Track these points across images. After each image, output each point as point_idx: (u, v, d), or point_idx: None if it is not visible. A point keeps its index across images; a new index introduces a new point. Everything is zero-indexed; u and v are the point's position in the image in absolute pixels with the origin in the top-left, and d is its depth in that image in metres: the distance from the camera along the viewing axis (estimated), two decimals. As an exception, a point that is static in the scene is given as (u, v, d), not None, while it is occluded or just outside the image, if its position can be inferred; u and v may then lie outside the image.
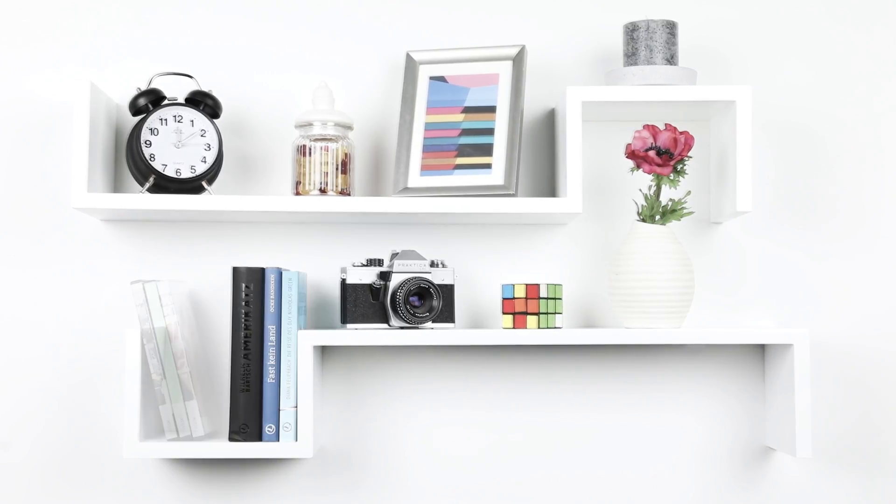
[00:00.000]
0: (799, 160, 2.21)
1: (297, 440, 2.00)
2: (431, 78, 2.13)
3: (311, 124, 2.07)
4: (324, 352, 2.15)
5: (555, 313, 2.04)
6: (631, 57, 2.09)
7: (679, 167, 2.04)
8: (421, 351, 2.16)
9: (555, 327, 2.05)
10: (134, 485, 2.14)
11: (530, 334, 2.01)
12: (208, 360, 2.14)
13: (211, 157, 2.05)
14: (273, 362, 2.00)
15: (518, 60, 2.11)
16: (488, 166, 2.06)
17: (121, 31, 2.18)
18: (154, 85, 2.10)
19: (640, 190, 2.10)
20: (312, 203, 2.02)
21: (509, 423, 2.17)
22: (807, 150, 2.21)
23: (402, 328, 2.03)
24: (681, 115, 2.14)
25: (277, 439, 2.00)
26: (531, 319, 2.03)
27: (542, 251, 2.18)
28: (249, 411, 2.00)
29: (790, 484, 2.18)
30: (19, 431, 2.13)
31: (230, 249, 2.15)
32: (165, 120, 2.05)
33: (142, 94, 2.06)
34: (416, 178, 2.08)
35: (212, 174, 2.06)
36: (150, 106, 2.05)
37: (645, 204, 2.07)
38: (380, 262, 2.05)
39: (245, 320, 2.00)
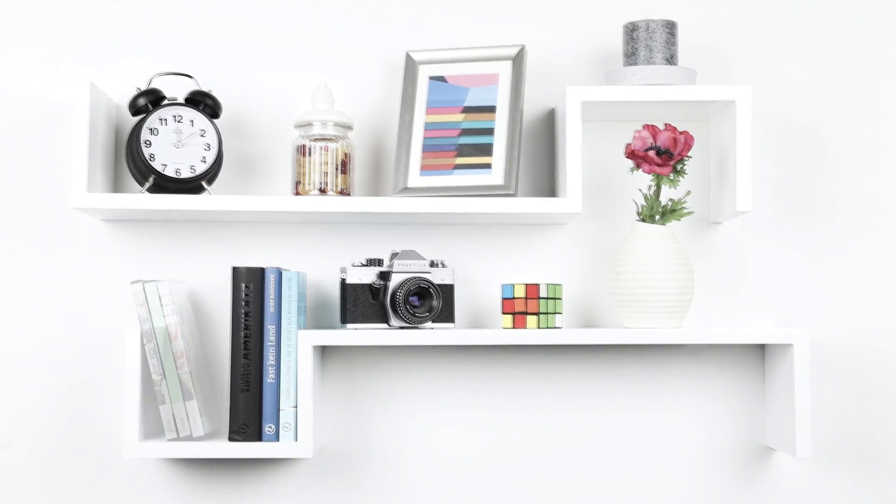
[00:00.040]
0: (799, 160, 2.21)
1: (296, 440, 2.00)
2: (431, 78, 2.13)
3: (310, 124, 2.07)
4: (324, 352, 2.15)
5: (554, 313, 2.04)
6: (631, 57, 2.09)
7: (679, 167, 2.04)
8: (421, 351, 2.16)
9: (555, 327, 2.05)
10: (134, 485, 2.14)
11: (530, 334, 2.01)
12: (208, 360, 2.14)
13: (211, 157, 2.05)
14: (273, 362, 2.00)
15: (518, 60, 2.11)
16: (488, 166, 2.06)
17: (121, 31, 2.18)
18: (154, 85, 2.10)
19: (640, 190, 2.10)
20: (312, 203, 2.02)
21: (509, 423, 2.17)
22: (807, 150, 2.21)
23: (401, 328, 2.03)
24: (681, 115, 2.14)
25: (277, 439, 2.00)
26: (531, 319, 2.03)
27: (542, 251, 2.18)
28: (249, 411, 2.00)
29: (790, 484, 2.18)
30: (19, 431, 2.13)
31: (230, 249, 2.15)
32: (165, 120, 2.05)
33: (141, 94, 2.06)
34: (415, 178, 2.08)
35: (212, 174, 2.06)
36: (149, 106, 2.05)
37: (645, 204, 2.07)
38: (380, 262, 2.05)
39: (245, 320, 2.00)
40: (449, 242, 2.17)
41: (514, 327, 2.04)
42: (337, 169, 2.07)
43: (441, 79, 2.13)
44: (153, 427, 2.05)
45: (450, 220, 2.14)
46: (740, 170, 2.03)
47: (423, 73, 2.14)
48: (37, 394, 2.13)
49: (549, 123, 2.19)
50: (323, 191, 2.07)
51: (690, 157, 2.07)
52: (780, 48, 2.22)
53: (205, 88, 2.10)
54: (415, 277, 2.01)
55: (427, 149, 2.09)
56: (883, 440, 2.19)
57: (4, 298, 2.14)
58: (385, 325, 2.03)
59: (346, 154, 2.08)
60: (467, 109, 2.11)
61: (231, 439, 2.00)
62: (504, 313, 2.04)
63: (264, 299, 2.00)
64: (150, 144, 2.04)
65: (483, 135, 2.09)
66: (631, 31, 2.09)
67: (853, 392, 2.18)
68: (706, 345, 2.17)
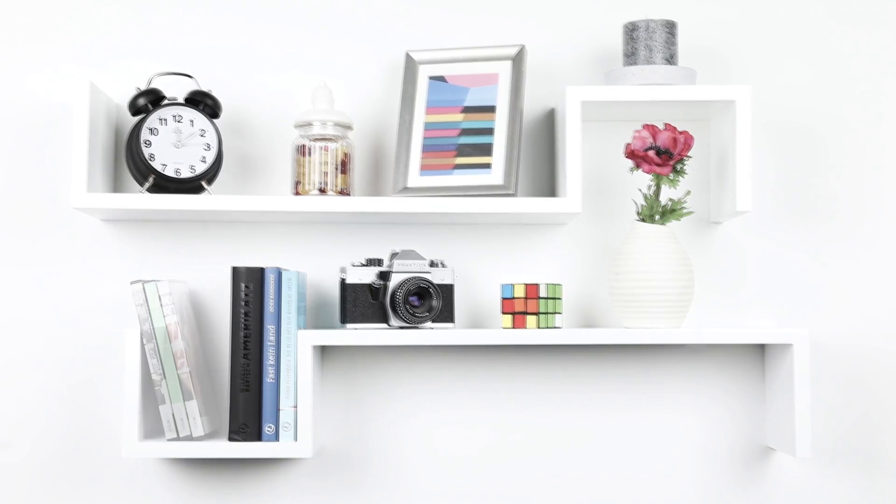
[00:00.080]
0: (799, 160, 2.20)
1: (296, 440, 2.00)
2: (431, 78, 2.13)
3: (310, 124, 2.07)
4: (323, 352, 2.15)
5: (554, 313, 2.04)
6: (630, 57, 2.09)
7: (679, 167, 2.04)
8: (421, 351, 2.16)
9: (554, 327, 2.05)
10: (134, 485, 2.14)
11: (530, 334, 2.01)
12: (208, 360, 2.14)
13: (210, 156, 2.05)
14: (272, 362, 2.00)
15: (518, 60, 2.11)
16: (488, 166, 2.06)
17: (121, 31, 2.18)
18: (154, 85, 2.10)
19: (640, 190, 2.10)
20: (312, 203, 2.02)
21: (509, 423, 2.17)
22: (807, 150, 2.21)
23: (401, 328, 2.03)
24: (680, 115, 2.14)
25: (277, 439, 2.00)
26: (531, 319, 2.03)
27: (542, 251, 2.18)
28: (249, 411, 2.00)
29: (790, 484, 2.18)
30: (19, 431, 2.13)
31: (230, 249, 2.15)
32: (165, 120, 2.05)
33: (141, 93, 2.06)
34: (415, 178, 2.08)
35: (211, 174, 2.06)
36: (149, 106, 2.05)
37: (644, 204, 2.07)
38: (379, 262, 2.05)
39: (244, 320, 2.00)
40: (449, 242, 2.17)
41: (513, 327, 2.03)
42: (337, 169, 2.07)
43: (441, 79, 2.13)
44: (153, 427, 2.05)
45: (450, 220, 2.14)
46: (740, 170, 2.03)
47: (423, 73, 2.14)
48: (37, 394, 2.13)
49: (548, 123, 2.19)
50: (323, 191, 2.07)
51: (690, 156, 2.07)
52: (780, 48, 2.22)
53: (205, 88, 2.10)
54: (414, 277, 2.01)
55: (427, 149, 2.09)
56: (883, 440, 2.19)
57: (4, 298, 2.14)
58: (385, 325, 2.03)
59: (345, 154, 2.08)
60: (467, 109, 2.11)
61: (231, 439, 2.00)
62: (504, 313, 2.04)
63: (264, 299, 2.00)
64: (150, 144, 2.04)
65: (483, 135, 2.09)
66: (631, 30, 2.09)
67: (853, 392, 2.18)
68: (706, 345, 2.17)
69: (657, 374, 2.18)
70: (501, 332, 2.01)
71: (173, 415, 2.00)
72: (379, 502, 2.16)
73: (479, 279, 2.17)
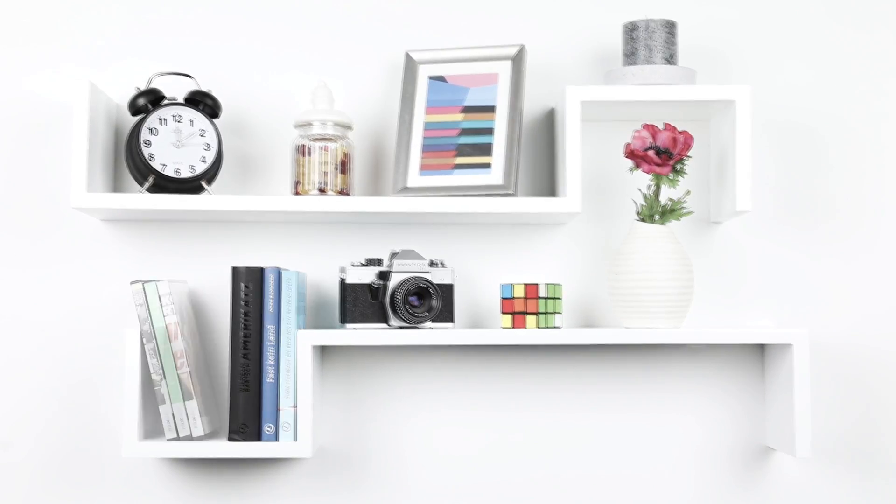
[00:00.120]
0: (799, 160, 2.20)
1: (296, 440, 2.00)
2: (431, 78, 2.13)
3: (310, 124, 2.07)
4: (323, 351, 2.15)
5: (554, 313, 2.04)
6: (630, 56, 2.09)
7: (678, 167, 2.04)
8: (420, 351, 2.16)
9: (554, 327, 2.05)
10: (134, 485, 2.14)
11: (529, 334, 2.01)
12: (208, 360, 2.14)
13: (210, 156, 2.05)
14: (272, 362, 2.00)
15: (517, 60, 2.11)
16: (488, 166, 2.06)
17: (121, 31, 2.18)
18: (153, 85, 2.10)
19: (640, 190, 2.10)
20: (312, 203, 2.02)
21: (509, 422, 2.17)
22: (807, 150, 2.21)
23: (401, 328, 2.02)
24: (680, 115, 2.14)
25: (276, 439, 2.00)
26: (530, 319, 2.03)
27: (542, 251, 2.18)
28: (249, 411, 2.00)
29: (790, 484, 2.17)
30: (19, 431, 2.14)
31: (230, 249, 2.15)
32: (165, 120, 2.05)
33: (141, 93, 2.06)
34: (415, 178, 2.08)
35: (211, 174, 2.06)
36: (149, 106, 2.05)
37: (644, 204, 2.07)
38: (379, 262, 2.05)
39: (244, 320, 2.00)
40: (448, 242, 2.17)
41: (513, 327, 2.03)
42: (336, 169, 2.07)
43: (441, 78, 2.13)
44: (153, 427, 2.05)
45: (449, 220, 2.14)
46: (740, 169, 2.03)
47: (423, 73, 2.14)
48: (37, 394, 2.13)
49: (548, 123, 2.19)
50: (322, 191, 2.07)
51: (690, 156, 2.07)
52: (779, 48, 2.22)
53: (204, 88, 2.10)
54: (414, 277, 2.01)
55: (427, 148, 2.09)
56: (883, 440, 2.19)
57: (4, 298, 2.14)
58: (384, 325, 2.03)
59: (345, 154, 2.09)
60: (467, 109, 2.11)
61: (230, 439, 2.00)
62: (503, 313, 2.04)
63: (264, 299, 2.00)
64: (150, 144, 2.04)
65: (483, 134, 2.09)
66: (630, 30, 2.09)
67: (853, 392, 2.18)
68: (706, 345, 2.17)
69: (657, 374, 2.18)
70: (501, 332, 2.01)
71: (173, 415, 2.00)
72: (379, 502, 2.16)
73: (478, 279, 2.17)
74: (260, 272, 2.00)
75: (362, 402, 2.16)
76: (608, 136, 2.17)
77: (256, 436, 2.00)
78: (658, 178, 2.05)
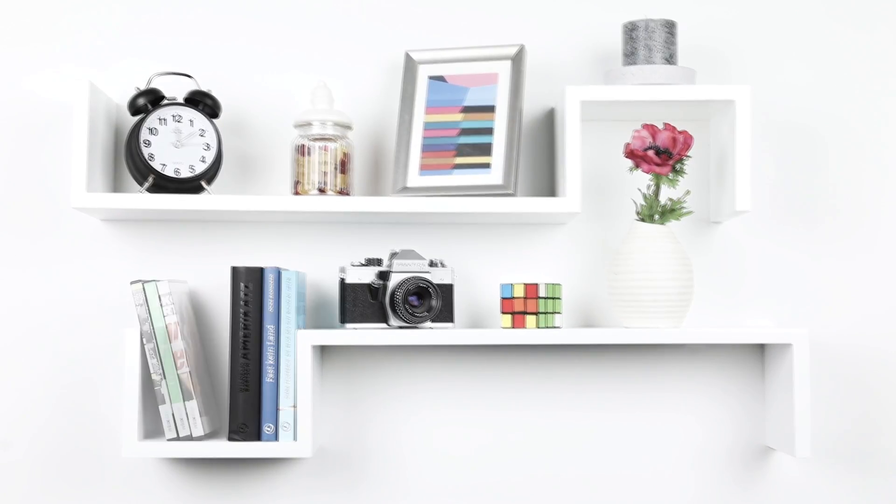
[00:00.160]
0: (799, 160, 2.20)
1: (295, 440, 2.00)
2: (430, 77, 2.13)
3: (310, 124, 2.07)
4: (323, 351, 2.15)
5: (554, 313, 2.04)
6: (630, 56, 2.09)
7: (678, 167, 2.04)
8: (420, 351, 2.16)
9: (554, 327, 2.05)
10: (134, 485, 2.14)
11: (529, 334, 2.01)
12: (208, 360, 2.14)
13: (210, 156, 2.05)
14: (272, 362, 2.00)
15: (517, 60, 2.11)
16: (487, 166, 2.06)
17: (120, 31, 2.18)
18: (153, 85, 2.10)
19: (640, 189, 2.10)
20: (311, 203, 2.03)
21: (509, 422, 2.17)
22: (807, 150, 2.21)
23: (401, 328, 2.03)
24: (680, 115, 2.14)
25: (276, 439, 2.00)
26: (530, 319, 2.03)
27: (541, 251, 2.18)
28: (248, 411, 2.00)
29: (790, 484, 2.17)
30: (19, 431, 2.14)
31: (229, 249, 2.15)
32: (165, 120, 2.05)
33: (141, 93, 2.06)
34: (415, 178, 2.08)
35: (211, 174, 2.06)
36: (149, 106, 2.05)
37: (644, 203, 2.07)
38: (379, 262, 2.05)
39: (244, 320, 2.00)
40: (448, 242, 2.17)
41: (513, 327, 2.03)
42: (336, 169, 2.07)
43: (440, 78, 2.13)
44: (153, 427, 2.05)
45: (449, 220, 2.14)
46: (739, 169, 2.03)
47: (423, 73, 2.14)
48: (37, 393, 2.13)
49: (548, 123, 2.19)
50: (322, 190, 2.07)
51: (690, 156, 2.07)
52: (779, 48, 2.22)
53: (204, 88, 2.10)
54: (414, 277, 2.01)
55: (426, 148, 2.09)
56: (883, 440, 2.19)
57: (4, 298, 2.14)
58: (384, 325, 2.03)
59: (345, 154, 2.09)
60: (467, 109, 2.11)
61: (230, 439, 2.00)
62: (503, 313, 2.04)
63: (263, 299, 2.00)
64: (150, 144, 2.04)
65: (482, 134, 2.09)
66: (630, 30, 2.09)
67: (853, 392, 2.18)
68: (706, 344, 2.17)
69: (657, 373, 2.18)
70: (501, 332, 2.01)
71: (173, 415, 2.00)
72: (378, 502, 2.16)
73: (478, 279, 2.17)
74: (260, 272, 2.01)
75: (362, 402, 2.16)
76: (608, 136, 2.17)
77: (256, 436, 2.00)
78: (658, 177, 2.05)
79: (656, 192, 2.05)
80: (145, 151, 2.03)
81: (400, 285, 2.01)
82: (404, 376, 2.16)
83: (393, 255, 2.04)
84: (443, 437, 2.16)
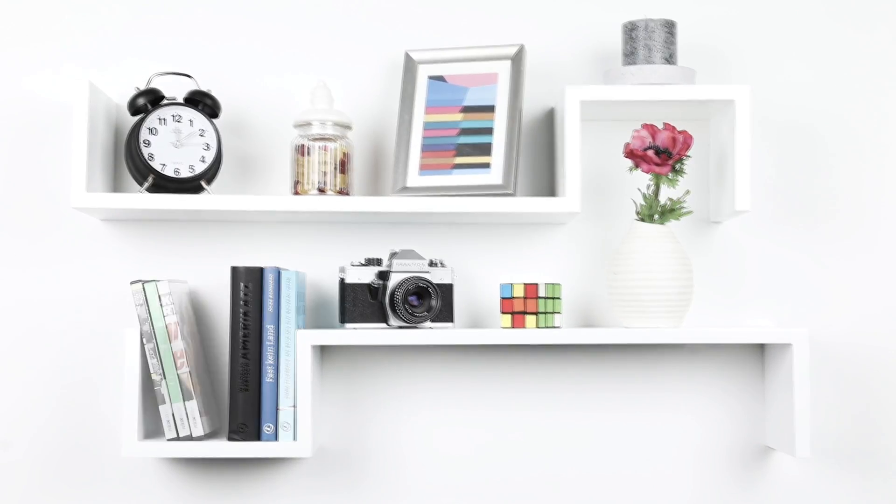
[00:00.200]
0: (798, 159, 2.20)
1: (295, 439, 2.00)
2: (430, 77, 2.13)
3: (309, 124, 2.07)
4: (323, 351, 2.15)
5: (553, 313, 2.04)
6: (629, 56, 2.09)
7: (678, 166, 2.04)
8: (420, 350, 2.16)
9: (553, 327, 2.05)
10: (133, 484, 2.14)
11: (529, 334, 2.01)
12: (208, 360, 2.14)
13: (210, 156, 2.05)
14: (272, 362, 2.01)
15: (517, 60, 2.11)
16: (487, 166, 2.06)
17: (120, 31, 2.18)
18: (153, 85, 2.10)
19: (639, 189, 2.10)
20: (311, 203, 2.03)
21: (508, 422, 2.17)
22: (806, 150, 2.21)
23: (400, 328, 2.03)
24: (680, 115, 2.14)
25: (276, 439, 2.00)
26: (530, 319, 2.03)
27: (541, 251, 2.18)
28: (248, 411, 2.00)
29: (789, 484, 2.17)
30: (19, 431, 2.14)
31: (229, 249, 2.15)
32: (164, 119, 2.05)
33: (140, 93, 2.06)
34: (414, 178, 2.08)
35: (211, 174, 2.06)
36: (148, 106, 2.05)
37: (644, 203, 2.07)
38: (378, 262, 2.05)
39: (244, 320, 2.00)
40: (448, 242, 2.17)
41: (513, 327, 2.03)
42: (336, 168, 2.07)
43: (440, 78, 2.13)
44: (153, 427, 2.05)
45: (449, 220, 2.14)
46: (739, 169, 2.03)
47: (423, 73, 2.14)
48: (36, 393, 2.14)
49: (548, 123, 2.19)
50: (322, 190, 2.07)
51: (689, 156, 2.07)
52: (779, 47, 2.22)
53: (204, 88, 2.10)
54: (414, 277, 2.01)
55: (426, 148, 2.09)
56: (882, 440, 2.19)
57: (4, 298, 2.14)
58: (384, 325, 2.03)
59: (345, 154, 2.09)
60: (466, 109, 2.11)
61: (230, 439, 2.00)
62: (503, 313, 2.04)
63: (263, 299, 2.00)
64: (150, 144, 2.04)
65: (482, 134, 2.09)
66: (630, 30, 2.09)
67: (852, 392, 2.18)
68: (705, 344, 2.17)
69: (657, 373, 2.18)
70: (501, 332, 2.01)
71: (173, 415, 2.00)
72: (378, 502, 2.16)
73: (478, 279, 2.17)
74: (259, 272, 2.01)
75: (362, 402, 2.16)
76: (607, 136, 2.17)
77: (256, 435, 2.00)
78: (657, 177, 2.05)
79: (656, 192, 2.05)
80: (145, 151, 2.03)
81: (400, 285, 2.01)
82: (404, 376, 2.16)
83: (393, 255, 2.04)
84: (443, 437, 2.16)
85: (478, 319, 2.17)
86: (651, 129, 2.03)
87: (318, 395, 2.09)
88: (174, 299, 2.00)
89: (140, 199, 2.00)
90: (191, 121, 2.05)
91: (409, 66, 2.14)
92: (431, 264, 2.06)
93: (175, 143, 2.05)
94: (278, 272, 2.00)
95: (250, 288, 2.00)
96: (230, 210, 2.02)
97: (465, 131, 2.10)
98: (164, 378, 2.00)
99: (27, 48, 2.17)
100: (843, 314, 2.19)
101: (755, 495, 2.17)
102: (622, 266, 2.04)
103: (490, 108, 2.10)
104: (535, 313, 2.03)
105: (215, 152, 2.05)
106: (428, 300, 2.02)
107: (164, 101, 2.06)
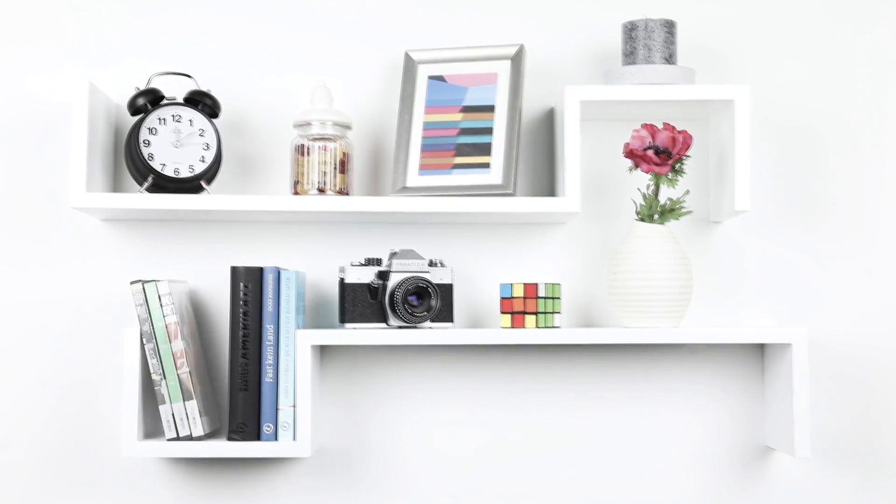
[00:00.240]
0: (798, 159, 2.20)
1: (295, 439, 2.00)
2: (430, 77, 2.13)
3: (309, 124, 2.07)
4: (322, 351, 2.15)
5: (553, 313, 2.04)
6: (629, 56, 2.09)
7: (677, 166, 2.04)
8: (420, 350, 2.16)
9: (553, 327, 2.05)
10: (133, 484, 2.14)
11: (529, 334, 2.01)
12: (208, 360, 2.14)
13: (209, 156, 2.05)
14: (271, 362, 2.01)
15: (517, 60, 2.11)
16: (487, 166, 2.06)
17: (120, 31, 2.18)
18: (153, 85, 2.10)
19: (639, 189, 2.10)
20: (311, 203, 2.03)
21: (508, 422, 2.17)
22: (806, 150, 2.21)
23: (400, 328, 2.03)
24: (679, 115, 2.14)
25: (276, 439, 2.00)
26: (530, 319, 2.03)
27: (541, 251, 2.18)
28: (248, 411, 2.00)
29: (789, 483, 2.17)
30: (19, 431, 2.14)
31: (229, 249, 2.15)
32: (164, 119, 2.05)
33: (140, 93, 2.06)
34: (414, 178, 2.08)
35: (210, 174, 2.06)
36: (148, 105, 2.06)
37: (644, 203, 2.07)
38: (378, 262, 2.05)
39: (243, 320, 2.00)
40: (448, 242, 2.17)
41: (512, 327, 2.03)
42: (336, 168, 2.07)
43: (440, 78, 2.13)
44: (153, 427, 2.05)
45: (448, 220, 2.14)
46: (739, 169, 2.03)
47: (422, 73, 2.14)
48: (36, 393, 2.14)
49: (547, 123, 2.19)
50: (322, 190, 2.07)
51: (689, 156, 2.06)
52: (779, 47, 2.22)
53: (204, 88, 2.10)
54: (413, 277, 2.01)
55: (426, 148, 2.10)
56: (882, 440, 2.19)
57: (4, 298, 2.14)
58: (384, 325, 2.03)
59: (344, 153, 2.09)
60: (466, 109, 2.11)
61: (230, 439, 2.00)
62: (503, 313, 2.04)
63: (263, 299, 2.00)
64: (149, 144, 2.04)
65: (482, 134, 2.09)
66: (630, 30, 2.09)
67: (852, 392, 2.18)
68: (705, 344, 2.17)
69: (656, 373, 2.18)
70: (500, 332, 2.01)
71: (173, 415, 2.00)
72: (378, 501, 2.16)
73: (478, 279, 2.17)
74: (259, 272, 2.01)
75: (362, 402, 2.16)
76: (607, 136, 2.17)
77: (255, 435, 2.00)
78: (657, 177, 2.05)
79: (656, 192, 2.05)
80: (145, 151, 2.03)
81: (399, 285, 2.01)
82: (404, 376, 2.16)
83: (392, 255, 2.04)
84: (442, 436, 2.16)
85: (478, 319, 2.17)
86: (651, 128, 2.03)
87: (317, 395, 2.09)
88: (174, 299, 2.00)
89: (140, 199, 2.00)
90: (191, 121, 2.06)
91: (409, 66, 2.14)
92: (431, 264, 2.06)
93: (175, 143, 2.05)
94: (278, 272, 2.00)
95: (250, 288, 2.00)
96: (230, 210, 2.02)
97: (465, 131, 2.10)
98: (164, 378, 2.00)
99: (27, 48, 2.17)
100: (842, 314, 2.19)
101: (755, 495, 2.17)
102: (622, 266, 2.04)
103: (490, 108, 2.10)
104: (535, 313, 2.03)
105: (215, 152, 2.06)
106: (428, 300, 2.02)
107: (164, 101, 2.06)
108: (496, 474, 2.17)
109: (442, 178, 2.07)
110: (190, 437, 2.00)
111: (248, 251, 2.15)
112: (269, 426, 2.00)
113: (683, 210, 2.06)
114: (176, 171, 2.04)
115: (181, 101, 2.07)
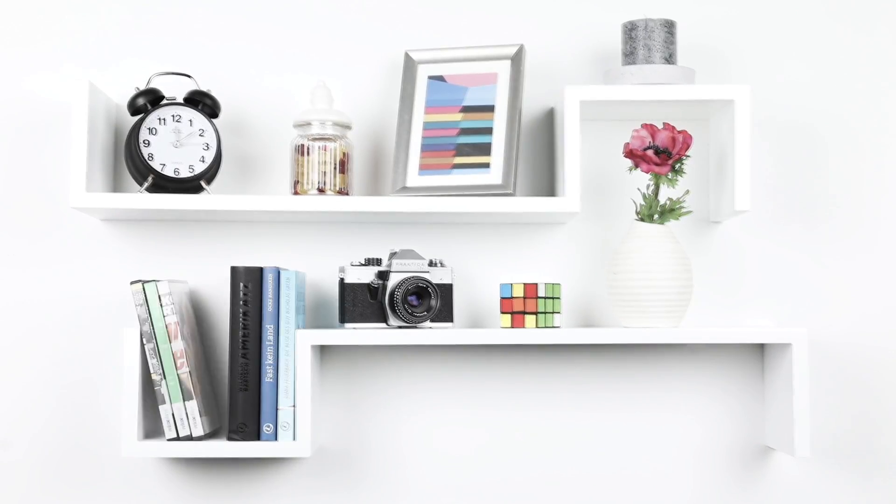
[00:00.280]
0: (798, 159, 2.20)
1: (295, 439, 2.00)
2: (430, 77, 2.13)
3: (309, 124, 2.07)
4: (322, 351, 2.15)
5: (553, 313, 2.04)
6: (629, 56, 2.09)
7: (677, 166, 2.04)
8: (419, 350, 2.16)
9: (553, 327, 2.05)
10: (133, 485, 2.14)
11: (529, 334, 2.01)
12: (209, 360, 2.14)
13: (209, 156, 2.05)
14: (271, 362, 2.01)
15: (516, 60, 2.11)
16: (487, 166, 2.06)
17: (120, 31, 2.18)
18: (153, 85, 2.10)
19: (639, 189, 2.10)
20: (311, 202, 2.03)
21: (508, 422, 2.17)
22: (806, 150, 2.21)
23: (400, 328, 2.03)
24: (679, 115, 2.14)
25: (276, 439, 2.00)
26: (529, 319, 2.03)
27: (541, 251, 2.18)
28: (248, 411, 2.00)
29: (789, 483, 2.17)
30: (19, 431, 2.14)
31: (229, 249, 2.15)
32: (164, 119, 2.05)
33: (140, 93, 2.06)
34: (414, 178, 2.08)
35: (210, 174, 2.06)
36: (148, 105, 2.06)
37: (643, 203, 2.07)
38: (378, 262, 2.05)
39: (243, 320, 2.00)
40: (447, 242, 2.17)
41: (512, 327, 2.03)
42: (335, 168, 2.08)
43: (440, 78, 2.13)
44: (153, 427, 2.05)
45: (448, 220, 2.14)
46: (739, 169, 2.03)
47: (422, 73, 2.14)
48: (36, 393, 2.14)
49: (547, 123, 2.19)
50: (321, 190, 2.07)
51: (689, 156, 2.07)
52: (779, 47, 2.22)
53: (204, 88, 2.10)
54: (413, 277, 2.01)
55: (426, 148, 2.10)
56: (882, 440, 2.19)
57: (4, 298, 2.14)
58: (384, 325, 2.03)
59: (344, 153, 2.09)
60: (466, 109, 2.11)
61: (229, 439, 2.00)
62: (503, 313, 2.04)
63: (263, 299, 2.00)
64: (149, 144, 2.04)
65: (482, 134, 2.09)
66: (630, 30, 2.09)
67: (852, 391, 2.18)
68: (705, 344, 2.17)
69: (656, 373, 2.18)
70: (500, 332, 2.01)
71: (173, 415, 2.00)
72: (378, 501, 2.16)
73: (477, 279, 2.17)
74: (259, 272, 2.01)
75: (362, 402, 2.16)
76: (607, 136, 2.17)
77: (255, 435, 2.00)
78: (657, 177, 2.05)
79: (656, 192, 2.05)
80: (145, 151, 2.03)
81: (399, 285, 2.01)
82: (404, 376, 2.16)
83: (392, 255, 2.04)
84: (442, 436, 2.16)
85: (477, 319, 2.17)
86: (651, 128, 2.03)
87: (317, 395, 2.09)
88: (174, 299, 2.00)
89: (140, 199, 2.00)
90: (190, 121, 2.06)
91: (409, 66, 2.14)
92: (431, 264, 2.06)
93: (175, 143, 2.05)
94: (278, 272, 2.00)
95: (250, 288, 2.00)
96: (230, 210, 2.02)
97: (465, 131, 2.10)
98: (164, 378, 2.00)
99: (27, 48, 2.17)
100: (842, 314, 2.19)
101: (755, 495, 2.17)
102: (622, 266, 2.04)
103: (490, 108, 2.10)
104: (535, 313, 2.03)
105: (215, 152, 2.06)
106: (427, 300, 2.02)
107: (164, 101, 2.06)
108: (496, 474, 2.17)
109: (442, 178, 2.07)
110: (190, 437, 2.00)
111: (248, 251, 2.15)
112: (268, 426, 2.00)
113: (683, 210, 2.06)
114: (176, 171, 2.04)
115: (181, 101, 2.07)
